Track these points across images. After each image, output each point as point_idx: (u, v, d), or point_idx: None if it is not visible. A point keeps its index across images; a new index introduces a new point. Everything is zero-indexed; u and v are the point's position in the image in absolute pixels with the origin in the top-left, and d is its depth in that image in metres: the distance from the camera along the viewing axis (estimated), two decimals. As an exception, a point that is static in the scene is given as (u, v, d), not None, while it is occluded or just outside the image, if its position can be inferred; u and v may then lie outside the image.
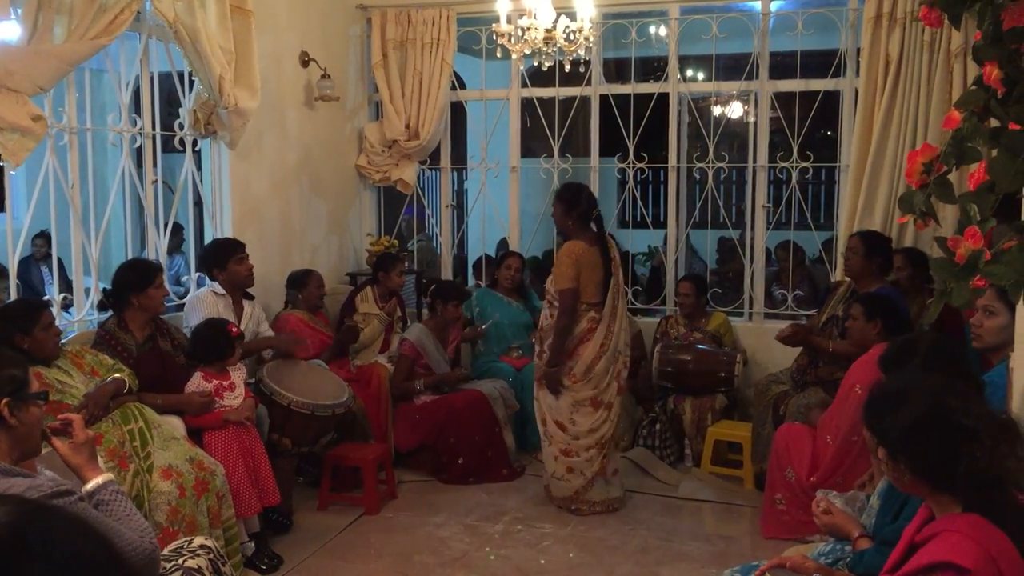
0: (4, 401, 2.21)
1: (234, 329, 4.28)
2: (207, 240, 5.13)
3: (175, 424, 3.92)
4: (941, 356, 2.73)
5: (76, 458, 2.38)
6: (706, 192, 6.03)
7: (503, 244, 7.20)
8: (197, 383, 4.13)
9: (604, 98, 6.13)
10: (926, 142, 3.57)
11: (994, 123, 2.51)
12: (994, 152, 2.40)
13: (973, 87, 2.47)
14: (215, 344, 4.19)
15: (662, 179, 6.84)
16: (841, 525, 2.69)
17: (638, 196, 6.34)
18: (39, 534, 0.97)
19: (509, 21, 4.41)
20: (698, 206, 6.27)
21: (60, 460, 2.41)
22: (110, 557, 1.04)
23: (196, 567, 2.56)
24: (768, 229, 5.98)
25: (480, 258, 6.96)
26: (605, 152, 6.31)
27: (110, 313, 4.16)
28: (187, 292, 5.08)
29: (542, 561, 4.16)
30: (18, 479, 2.13)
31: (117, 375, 3.78)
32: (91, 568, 1.00)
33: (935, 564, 1.85)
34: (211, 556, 2.65)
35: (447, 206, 6.68)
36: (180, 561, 2.57)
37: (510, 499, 4.92)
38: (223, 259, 4.68)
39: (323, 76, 5.76)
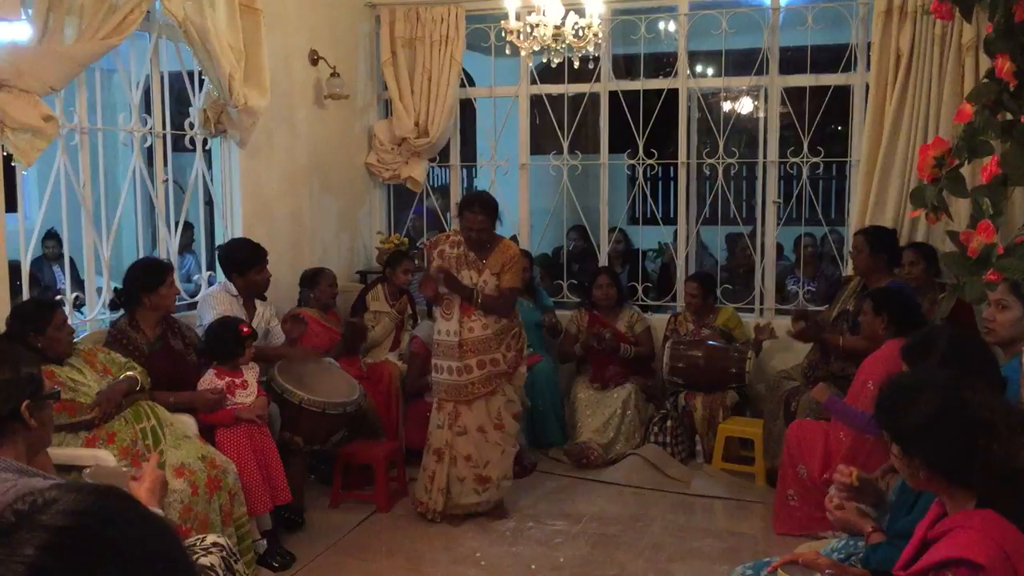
0: (25, 404, 2.17)
1: (245, 329, 4.29)
2: (219, 239, 5.13)
3: (187, 422, 3.94)
4: (963, 351, 2.71)
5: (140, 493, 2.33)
6: (716, 188, 6.01)
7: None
8: (209, 380, 4.15)
9: (613, 94, 6.11)
10: (938, 136, 3.56)
11: (1006, 116, 2.50)
12: (1007, 145, 2.39)
13: (985, 80, 2.46)
14: (225, 343, 4.21)
15: (672, 175, 6.82)
16: (854, 521, 2.68)
17: (648, 192, 6.32)
18: (113, 522, 0.95)
19: (518, 18, 4.40)
20: (708, 202, 6.25)
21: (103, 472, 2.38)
22: (179, 548, 1.03)
23: (209, 564, 2.56)
24: (779, 225, 5.96)
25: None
26: (615, 148, 6.30)
27: (122, 312, 4.17)
28: (198, 290, 5.09)
29: (553, 559, 4.16)
30: (36, 479, 2.12)
31: (129, 373, 3.79)
32: (162, 557, 0.98)
33: (949, 560, 1.84)
34: (223, 554, 2.66)
35: (456, 203, 6.68)
36: (192, 559, 2.58)
37: (521, 496, 4.89)
38: (245, 267, 4.65)
39: (332, 74, 5.77)
